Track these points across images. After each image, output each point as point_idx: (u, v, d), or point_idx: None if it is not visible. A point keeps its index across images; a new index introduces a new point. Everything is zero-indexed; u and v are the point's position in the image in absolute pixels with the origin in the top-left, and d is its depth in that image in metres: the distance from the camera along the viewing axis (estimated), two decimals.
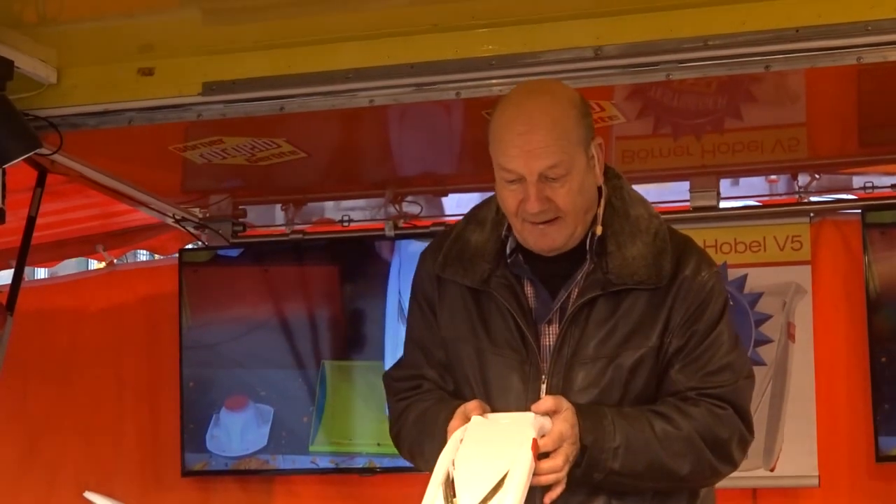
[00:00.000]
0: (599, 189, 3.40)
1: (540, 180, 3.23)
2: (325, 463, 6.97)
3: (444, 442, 3.20)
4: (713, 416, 3.32)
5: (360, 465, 6.91)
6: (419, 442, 3.45)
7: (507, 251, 3.40)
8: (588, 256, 3.35)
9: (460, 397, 3.43)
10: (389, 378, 3.66)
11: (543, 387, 3.32)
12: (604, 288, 3.32)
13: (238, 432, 7.03)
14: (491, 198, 3.50)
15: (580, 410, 3.22)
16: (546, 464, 3.13)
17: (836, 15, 4.67)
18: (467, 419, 3.21)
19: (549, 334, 3.36)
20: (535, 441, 3.10)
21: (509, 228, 3.41)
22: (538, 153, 3.22)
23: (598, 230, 3.36)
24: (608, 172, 3.46)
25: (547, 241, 3.32)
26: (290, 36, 5.12)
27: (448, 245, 3.49)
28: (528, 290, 3.40)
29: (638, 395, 3.34)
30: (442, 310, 3.48)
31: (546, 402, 3.20)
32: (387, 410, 3.73)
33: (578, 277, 3.36)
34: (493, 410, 3.29)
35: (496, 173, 3.33)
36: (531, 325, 3.35)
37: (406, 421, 3.51)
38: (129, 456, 7.32)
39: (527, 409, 3.23)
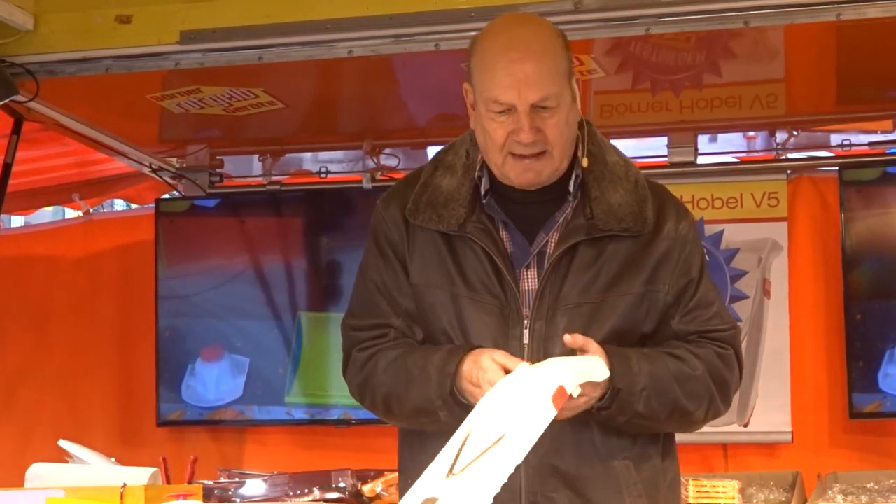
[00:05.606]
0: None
1: (532, 111, 3.16)
2: (300, 414, 6.98)
3: (438, 384, 3.18)
4: (719, 358, 3.32)
5: (336, 417, 6.92)
6: (401, 388, 3.30)
7: (483, 192, 3.33)
8: (571, 197, 3.30)
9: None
10: (349, 327, 3.49)
11: (525, 332, 3.26)
12: (588, 233, 3.27)
13: (213, 383, 7.03)
14: (456, 143, 3.43)
15: (609, 353, 3.18)
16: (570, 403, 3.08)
17: None
18: (505, 370, 3.12)
19: (528, 279, 3.30)
20: (561, 388, 3.00)
21: (482, 169, 3.34)
22: (532, 82, 3.14)
23: (585, 162, 3.31)
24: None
25: (531, 174, 3.25)
26: None
27: (418, 191, 3.38)
28: (504, 234, 3.33)
29: (621, 341, 3.28)
30: (412, 257, 3.38)
31: (577, 338, 3.15)
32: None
33: (559, 221, 3.31)
34: None
35: (481, 106, 3.24)
36: (510, 269, 3.29)
37: (375, 368, 3.36)
38: (105, 405, 7.32)
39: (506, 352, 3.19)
